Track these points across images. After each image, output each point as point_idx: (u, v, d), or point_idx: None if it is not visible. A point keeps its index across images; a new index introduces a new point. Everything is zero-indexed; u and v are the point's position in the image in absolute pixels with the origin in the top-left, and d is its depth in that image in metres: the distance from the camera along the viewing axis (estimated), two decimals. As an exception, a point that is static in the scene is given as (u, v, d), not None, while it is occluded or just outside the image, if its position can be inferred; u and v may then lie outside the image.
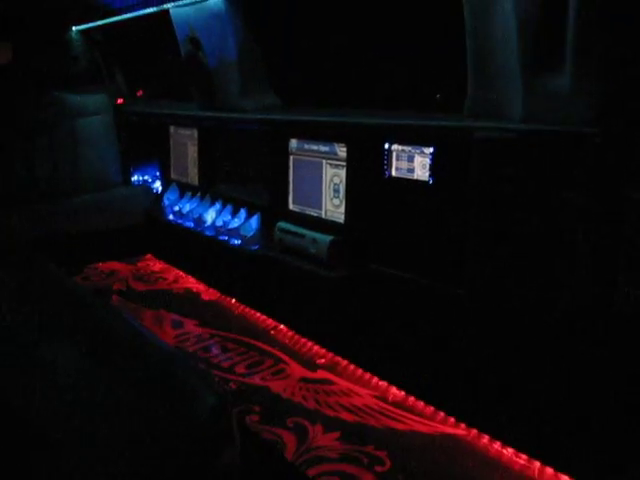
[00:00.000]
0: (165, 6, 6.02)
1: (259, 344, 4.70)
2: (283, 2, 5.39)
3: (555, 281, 3.23)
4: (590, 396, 3.09)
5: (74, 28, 7.82)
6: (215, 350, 4.59)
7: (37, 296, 3.76)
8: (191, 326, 5.02)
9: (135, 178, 7.68)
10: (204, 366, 4.30)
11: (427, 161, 3.89)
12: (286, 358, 4.47)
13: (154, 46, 7.48)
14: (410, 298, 4.02)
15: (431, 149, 3.86)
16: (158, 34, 6.78)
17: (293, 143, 5.03)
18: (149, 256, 6.93)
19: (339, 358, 4.46)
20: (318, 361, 4.44)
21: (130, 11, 6.57)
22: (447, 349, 3.76)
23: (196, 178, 6.55)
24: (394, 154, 4.09)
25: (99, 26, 7.54)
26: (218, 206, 6.05)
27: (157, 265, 6.67)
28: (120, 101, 7.78)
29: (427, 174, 3.90)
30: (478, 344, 3.58)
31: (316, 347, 4.64)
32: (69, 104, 7.10)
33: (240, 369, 4.29)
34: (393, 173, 4.11)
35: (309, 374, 4.25)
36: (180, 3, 5.79)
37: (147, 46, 7.68)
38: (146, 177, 7.59)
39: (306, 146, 4.90)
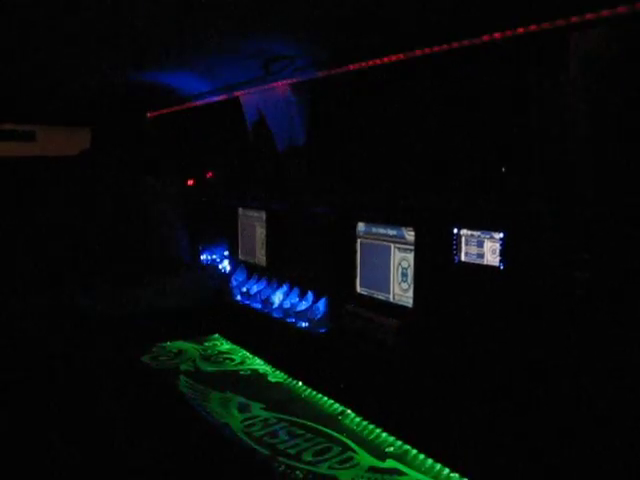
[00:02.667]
0: (235, 93, 6.26)
1: (326, 430, 4.60)
2: (348, 87, 5.52)
3: None
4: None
5: (149, 114, 8.19)
6: (282, 436, 4.51)
7: (102, 376, 3.82)
8: (258, 410, 4.97)
9: (204, 258, 7.83)
10: (270, 452, 4.23)
11: (497, 246, 3.85)
12: (354, 445, 4.36)
13: (224, 130, 7.74)
14: (480, 386, 3.91)
15: (501, 234, 3.82)
16: (228, 118, 7.02)
17: (360, 227, 5.06)
18: (216, 336, 6.96)
19: (408, 446, 4.32)
20: (387, 449, 4.32)
21: (202, 98, 6.84)
22: (523, 441, 3.62)
23: (264, 259, 6.64)
24: (463, 239, 4.07)
25: (172, 112, 7.87)
26: (285, 288, 6.09)
27: (224, 345, 6.69)
28: (190, 183, 8.02)
29: (497, 259, 3.85)
30: (560, 438, 3.43)
31: (384, 434, 4.51)
32: (141, 186, 7.36)
33: (307, 456, 4.20)
34: (462, 258, 4.08)
35: (378, 463, 4.12)
36: (249, 90, 6.00)
37: (217, 130, 7.95)
38: (214, 257, 7.73)
39: (374, 229, 4.93)
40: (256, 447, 4.32)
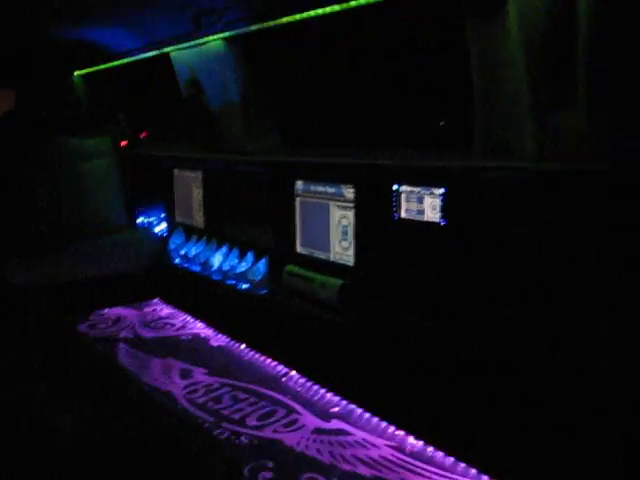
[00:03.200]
0: (165, 49, 6.00)
1: (270, 393, 4.56)
2: (285, 43, 5.35)
3: (572, 328, 3.12)
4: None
5: (76, 73, 7.83)
6: (225, 401, 4.45)
7: (34, 351, 3.66)
8: (200, 375, 4.89)
9: (140, 221, 7.62)
10: (214, 419, 4.17)
11: (437, 202, 3.80)
12: (298, 407, 4.33)
13: (157, 88, 7.47)
14: (424, 343, 3.90)
15: (441, 190, 3.77)
16: (160, 77, 6.76)
17: (299, 185, 4.95)
18: (156, 301, 6.82)
19: (353, 406, 4.31)
20: (332, 410, 4.30)
21: (131, 55, 6.57)
22: (466, 396, 3.63)
23: (201, 221, 6.48)
24: (403, 195, 4.00)
25: (101, 70, 7.55)
26: (225, 249, 5.96)
27: (164, 310, 6.56)
28: (124, 144, 7.74)
29: (437, 215, 3.80)
30: (502, 391, 3.44)
31: (329, 394, 4.50)
32: (72, 148, 7.06)
33: (252, 421, 4.15)
34: (403, 215, 4.02)
35: (323, 424, 4.11)
36: (180, 46, 5.76)
37: (150, 88, 7.67)
38: (151, 219, 7.53)
39: (312, 188, 4.82)
40: (199, 414, 4.26)
